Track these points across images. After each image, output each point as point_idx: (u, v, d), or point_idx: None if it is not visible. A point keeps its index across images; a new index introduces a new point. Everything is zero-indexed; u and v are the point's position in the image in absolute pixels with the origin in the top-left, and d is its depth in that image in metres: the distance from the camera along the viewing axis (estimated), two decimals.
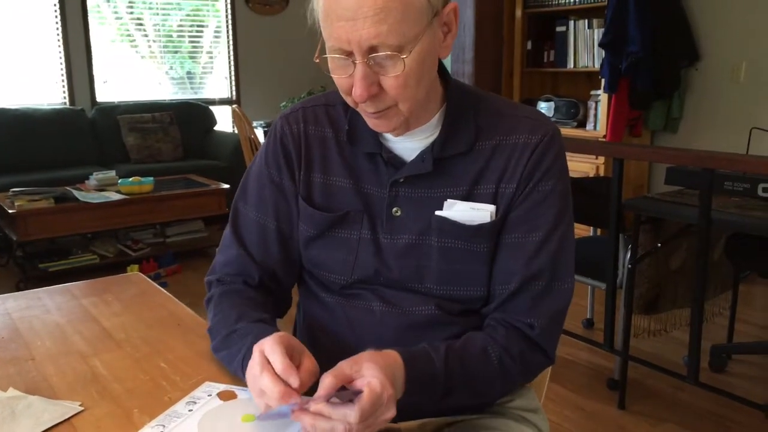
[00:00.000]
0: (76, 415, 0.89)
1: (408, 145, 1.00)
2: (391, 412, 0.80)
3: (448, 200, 0.99)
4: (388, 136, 1.00)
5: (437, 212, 0.99)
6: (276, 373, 0.80)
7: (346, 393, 0.78)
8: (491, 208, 0.98)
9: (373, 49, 0.86)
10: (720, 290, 2.74)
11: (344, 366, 0.80)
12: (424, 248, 1.00)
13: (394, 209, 1.01)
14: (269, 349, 0.82)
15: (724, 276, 2.73)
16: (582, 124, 4.49)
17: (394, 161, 1.00)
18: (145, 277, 1.49)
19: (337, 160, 1.04)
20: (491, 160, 0.99)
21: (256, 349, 0.84)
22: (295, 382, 0.79)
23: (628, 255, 2.39)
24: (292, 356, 0.83)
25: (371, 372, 0.79)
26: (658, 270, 2.47)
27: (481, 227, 0.98)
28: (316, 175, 1.05)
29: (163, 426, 0.86)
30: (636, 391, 2.52)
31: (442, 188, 0.99)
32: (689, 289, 2.48)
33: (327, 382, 0.77)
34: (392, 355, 0.86)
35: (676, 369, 2.40)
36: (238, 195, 1.11)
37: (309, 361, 0.85)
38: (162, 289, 1.40)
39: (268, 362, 0.82)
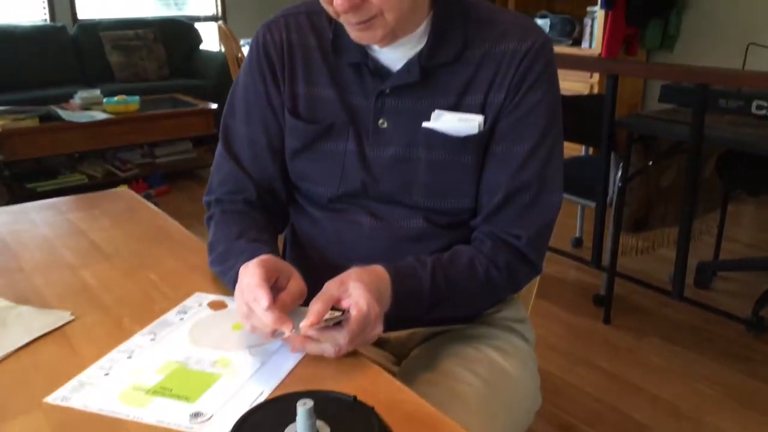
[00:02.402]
0: (67, 323, 0.90)
1: (394, 55, 0.97)
2: (378, 329, 0.81)
3: (436, 111, 0.97)
4: (374, 46, 0.97)
5: (424, 124, 0.97)
6: (271, 302, 0.78)
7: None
8: (479, 118, 0.96)
9: None
10: (709, 209, 2.76)
11: (331, 288, 0.80)
12: (412, 161, 0.98)
13: (380, 121, 0.99)
14: (249, 272, 0.81)
15: (714, 195, 2.75)
16: (577, 42, 4.40)
17: (380, 72, 0.98)
18: (133, 192, 1.47)
19: (321, 70, 1.01)
20: (480, 69, 0.96)
21: (242, 271, 0.83)
22: (286, 329, 0.77)
23: (619, 173, 2.39)
24: (279, 279, 0.83)
25: (358, 292, 0.79)
26: (649, 189, 2.47)
27: (468, 138, 0.96)
28: (300, 86, 1.02)
29: (154, 334, 0.87)
30: (621, 307, 2.58)
31: (430, 99, 0.97)
32: (678, 207, 2.50)
33: (316, 308, 0.77)
34: (378, 272, 0.86)
35: (662, 286, 2.45)
36: (226, 111, 1.08)
37: (295, 284, 0.84)
38: (151, 205, 1.39)
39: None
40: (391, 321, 0.85)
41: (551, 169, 0.98)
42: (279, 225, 1.11)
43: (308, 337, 0.79)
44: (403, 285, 0.87)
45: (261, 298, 0.77)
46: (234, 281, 0.90)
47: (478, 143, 0.97)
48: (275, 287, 0.82)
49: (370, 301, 0.79)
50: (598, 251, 2.48)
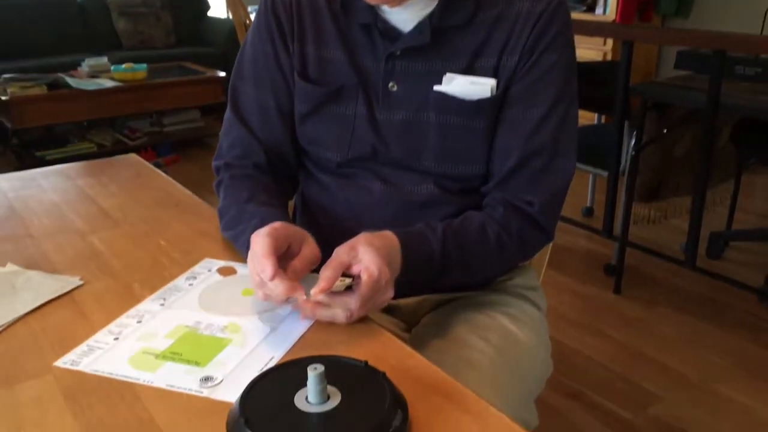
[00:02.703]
0: (76, 288, 0.89)
1: (404, 17, 0.95)
2: (389, 294, 0.80)
3: (447, 74, 0.94)
4: (384, 6, 0.94)
5: (436, 87, 0.95)
6: (274, 273, 0.75)
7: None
8: (492, 82, 0.94)
9: None
10: (722, 179, 2.73)
11: (341, 253, 0.78)
12: (422, 125, 0.96)
13: (390, 84, 0.96)
14: (259, 242, 0.78)
15: (728, 165, 2.71)
16: (591, 9, 4.32)
17: (390, 33, 0.95)
18: (141, 159, 1.46)
19: (331, 31, 0.99)
20: (493, 31, 0.94)
21: (252, 239, 0.81)
22: (300, 296, 0.76)
23: (632, 142, 2.35)
24: (291, 246, 0.82)
25: (368, 257, 0.78)
26: (662, 158, 2.44)
27: (480, 102, 0.94)
28: (309, 47, 1.00)
29: (164, 299, 0.86)
30: (632, 277, 2.57)
31: (441, 62, 0.95)
32: (692, 177, 2.47)
33: (326, 274, 0.76)
34: (388, 237, 0.85)
35: (674, 256, 2.43)
36: (234, 74, 1.07)
37: (308, 249, 0.82)
38: (159, 171, 1.38)
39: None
40: (402, 287, 0.84)
41: (565, 133, 0.96)
42: (289, 190, 1.10)
43: (319, 303, 0.79)
44: (413, 250, 0.86)
45: (266, 269, 0.75)
46: (246, 246, 0.89)
47: (491, 107, 0.95)
48: (288, 254, 0.81)
49: (380, 265, 0.78)
50: (609, 220, 2.46)
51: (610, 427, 1.78)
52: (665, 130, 2.35)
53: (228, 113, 1.06)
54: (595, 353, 2.11)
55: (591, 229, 2.71)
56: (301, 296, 0.76)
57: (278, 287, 0.76)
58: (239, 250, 0.95)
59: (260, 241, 0.79)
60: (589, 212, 3.16)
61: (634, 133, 2.36)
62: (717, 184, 2.71)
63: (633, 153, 2.33)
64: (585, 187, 3.17)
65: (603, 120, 3.14)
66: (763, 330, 2.23)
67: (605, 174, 2.47)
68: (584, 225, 2.79)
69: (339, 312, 0.78)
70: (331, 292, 0.77)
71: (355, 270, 0.78)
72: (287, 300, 0.77)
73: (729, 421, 1.79)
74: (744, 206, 3.13)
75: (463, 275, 0.95)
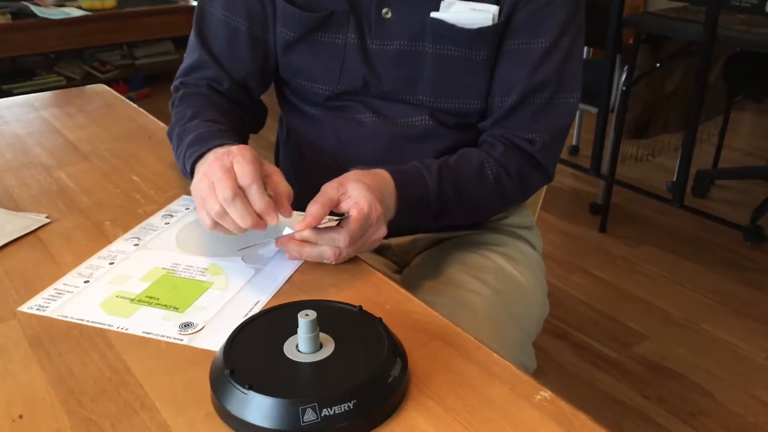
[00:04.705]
0: (42, 227, 0.82)
1: None
2: (381, 232, 0.74)
3: (446, 0, 0.87)
4: None
5: (433, 14, 0.87)
6: (249, 203, 0.67)
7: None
8: (494, 9, 0.86)
9: None
10: (711, 115, 2.68)
11: (329, 190, 0.72)
12: (417, 55, 0.89)
13: (384, 10, 0.88)
14: (243, 166, 0.67)
15: (717, 101, 2.66)
16: None
17: None
18: (110, 89, 1.37)
19: None
20: None
21: (218, 162, 0.68)
22: (273, 219, 0.68)
23: (623, 77, 2.28)
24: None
25: (358, 192, 0.72)
26: (652, 93, 2.38)
27: (481, 31, 0.87)
28: None
29: (139, 239, 0.80)
30: (618, 216, 2.54)
31: None
32: (681, 113, 2.42)
33: (313, 210, 0.70)
34: (381, 174, 0.79)
35: (660, 194, 2.40)
36: None
37: (279, 177, 0.73)
38: (130, 102, 1.29)
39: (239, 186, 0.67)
40: (394, 227, 0.78)
41: (570, 66, 0.90)
42: (253, 124, 1.02)
43: (305, 242, 0.73)
44: (408, 190, 0.80)
45: (270, 215, 0.68)
46: (184, 168, 0.81)
47: (492, 37, 0.87)
48: None
49: (371, 200, 0.72)
50: (597, 158, 2.41)
51: (595, 366, 1.77)
52: (658, 65, 2.28)
53: (192, 36, 0.97)
54: (581, 292, 2.09)
55: (578, 167, 2.66)
56: (273, 221, 0.68)
57: (247, 221, 0.67)
58: (182, 172, 0.85)
59: (247, 170, 0.68)
60: (575, 150, 3.11)
61: (625, 67, 2.28)
62: (706, 121, 2.67)
63: (624, 88, 2.27)
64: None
65: (590, 54, 3.05)
66: (748, 268, 2.23)
67: (594, 111, 2.40)
68: (571, 163, 2.75)
69: (326, 249, 0.72)
70: (317, 228, 0.71)
71: (344, 207, 0.72)
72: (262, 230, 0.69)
73: (713, 359, 1.80)
74: (729, 143, 3.09)
75: (460, 217, 0.90)
